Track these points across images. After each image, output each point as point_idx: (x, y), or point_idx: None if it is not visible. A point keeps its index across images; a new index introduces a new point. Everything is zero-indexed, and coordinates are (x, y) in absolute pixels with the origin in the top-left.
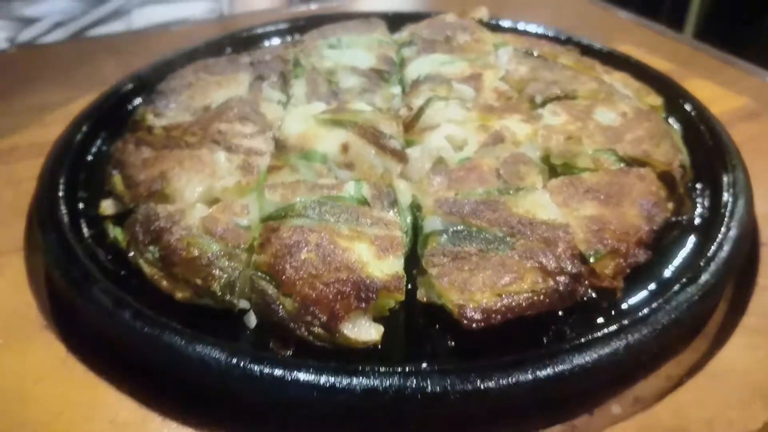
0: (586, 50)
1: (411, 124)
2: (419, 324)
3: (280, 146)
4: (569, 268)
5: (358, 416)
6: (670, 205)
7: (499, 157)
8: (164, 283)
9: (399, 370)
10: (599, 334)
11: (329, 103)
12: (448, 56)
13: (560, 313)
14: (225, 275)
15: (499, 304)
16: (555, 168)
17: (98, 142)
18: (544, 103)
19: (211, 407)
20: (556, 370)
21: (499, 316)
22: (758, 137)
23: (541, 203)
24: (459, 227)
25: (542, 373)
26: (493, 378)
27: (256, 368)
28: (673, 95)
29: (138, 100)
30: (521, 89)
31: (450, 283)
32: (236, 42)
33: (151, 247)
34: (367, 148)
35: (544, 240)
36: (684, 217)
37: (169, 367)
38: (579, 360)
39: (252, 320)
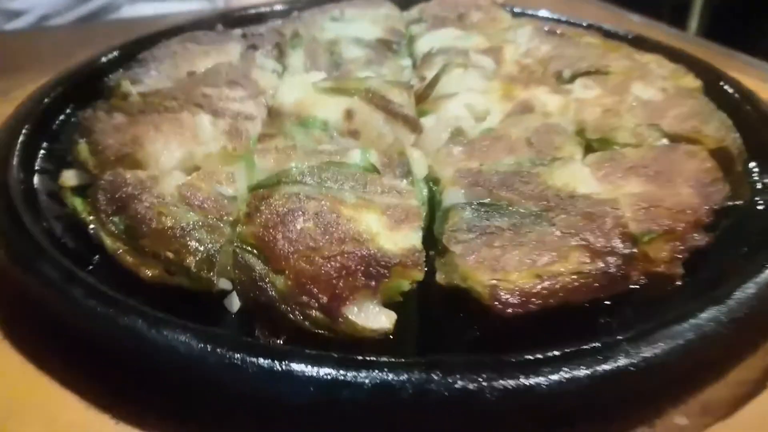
0: (610, 35)
1: (425, 94)
2: (439, 311)
3: (274, 114)
4: (621, 248)
5: (366, 419)
6: (726, 187)
7: (529, 128)
8: (129, 258)
9: (421, 361)
10: (670, 321)
11: (330, 73)
12: (461, 32)
13: (606, 302)
14: (202, 248)
15: (539, 286)
16: (591, 144)
17: (67, 111)
18: (573, 78)
19: (179, 409)
20: (620, 364)
21: (538, 301)
22: None
23: (580, 176)
24: (485, 200)
25: (603, 368)
26: (542, 373)
27: (237, 356)
28: (713, 78)
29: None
30: (546, 65)
31: (478, 261)
32: (229, 21)
33: (115, 218)
34: (375, 115)
35: (588, 216)
36: (741, 201)
37: (127, 357)
38: (648, 352)
39: (234, 303)
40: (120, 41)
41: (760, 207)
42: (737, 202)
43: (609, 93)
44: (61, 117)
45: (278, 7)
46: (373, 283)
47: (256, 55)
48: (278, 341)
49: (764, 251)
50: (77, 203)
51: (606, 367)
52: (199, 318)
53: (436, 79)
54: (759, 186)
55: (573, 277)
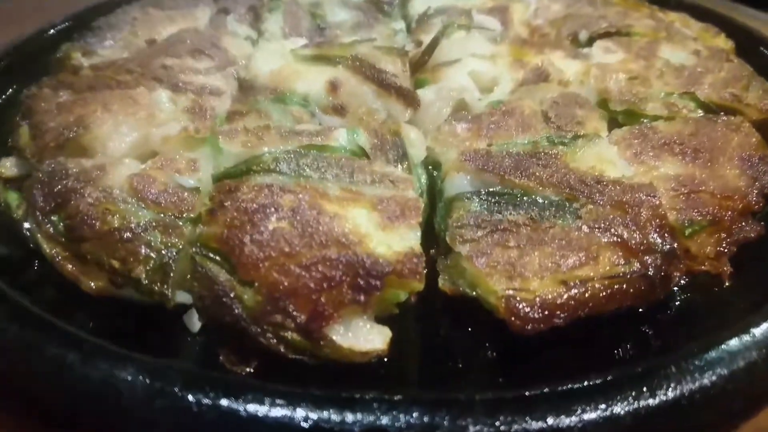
0: None
1: (422, 61)
2: (442, 326)
3: (246, 87)
4: (660, 244)
5: None
6: None
7: (544, 99)
8: (69, 266)
9: (422, 397)
10: (726, 337)
11: (312, 39)
12: None
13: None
14: (155, 255)
15: (565, 296)
16: (615, 117)
17: (10, 91)
18: (591, 40)
19: None
20: (669, 396)
21: (564, 314)
22: None
23: (608, 157)
24: (496, 188)
25: (648, 403)
26: (574, 411)
27: (191, 398)
28: (745, 38)
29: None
30: (559, 27)
31: (490, 265)
32: None
33: (54, 217)
34: (364, 87)
35: (619, 205)
36: None
37: (56, 397)
38: (704, 379)
39: (195, 322)
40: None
41: None
42: None
43: (634, 57)
44: (3, 96)
45: None
46: (362, 297)
47: (228, 20)
48: (247, 370)
49: None
50: (11, 198)
51: (652, 402)
52: (152, 342)
53: (434, 43)
54: None
55: (605, 282)
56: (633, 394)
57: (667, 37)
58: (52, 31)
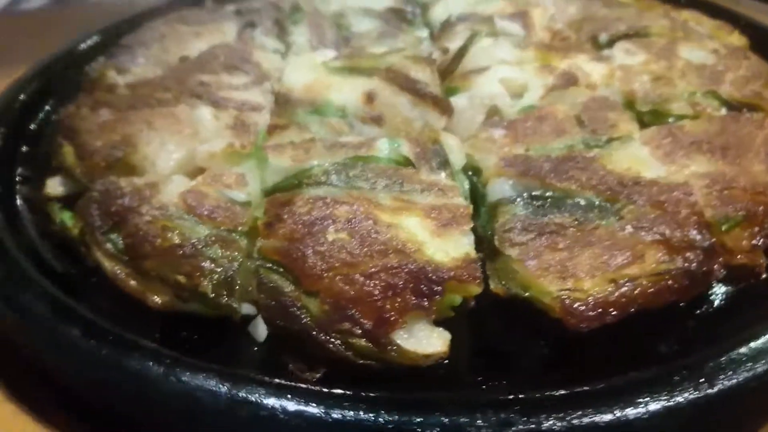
0: None
1: (450, 69)
2: (496, 327)
3: (282, 101)
4: (700, 240)
5: None
6: None
7: (576, 103)
8: (132, 283)
9: (497, 398)
10: None
11: (340, 50)
12: None
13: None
14: (219, 269)
15: (616, 293)
16: (641, 117)
17: (46, 108)
18: (611, 42)
19: None
20: (730, 384)
21: (615, 312)
22: None
23: (642, 158)
24: (538, 192)
25: (707, 393)
26: (638, 403)
27: (278, 406)
28: (758, 34)
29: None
30: (577, 30)
31: (542, 267)
32: None
33: (112, 235)
34: (399, 97)
35: (659, 204)
36: None
37: (139, 409)
38: (755, 370)
39: (261, 331)
40: (99, 25)
41: None
42: None
43: (655, 58)
44: (40, 115)
45: None
46: (426, 302)
47: (255, 34)
48: (316, 376)
49: None
50: (66, 217)
51: (710, 391)
52: (219, 353)
53: (462, 51)
54: None
55: (652, 279)
56: (692, 384)
57: (684, 37)
58: (82, 46)
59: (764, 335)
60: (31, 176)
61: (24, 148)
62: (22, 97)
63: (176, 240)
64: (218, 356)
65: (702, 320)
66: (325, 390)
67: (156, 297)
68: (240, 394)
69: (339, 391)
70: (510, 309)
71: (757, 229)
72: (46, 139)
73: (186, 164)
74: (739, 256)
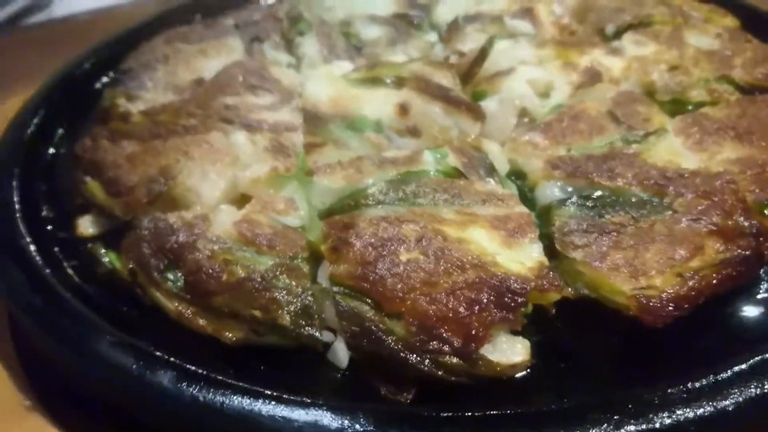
0: None
1: (471, 72)
2: (566, 329)
3: (310, 117)
4: (748, 226)
5: None
6: None
7: (604, 99)
8: (202, 321)
9: (610, 399)
10: None
11: (353, 60)
12: None
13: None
14: (295, 299)
15: (685, 287)
16: (662, 106)
17: (54, 142)
18: (618, 34)
19: None
20: None
21: (687, 305)
22: None
23: (678, 149)
24: (587, 192)
25: None
26: (726, 395)
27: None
28: (753, 15)
29: (102, 83)
30: (581, 21)
31: (611, 267)
32: (207, 8)
33: (170, 273)
34: (431, 106)
35: (706, 195)
36: None
37: None
38: None
39: (342, 357)
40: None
41: None
42: None
43: (666, 47)
44: (51, 150)
45: None
46: (511, 315)
47: (265, 49)
48: (408, 397)
49: None
50: (112, 258)
51: None
52: (305, 384)
53: (484, 55)
54: None
55: (714, 269)
56: None
57: (685, 23)
58: (78, 70)
59: None
60: (56, 217)
61: (43, 187)
62: (30, 131)
63: (242, 273)
64: (307, 388)
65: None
66: (430, 415)
67: (230, 333)
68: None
69: (443, 416)
70: (577, 311)
71: None
72: (63, 175)
73: (230, 192)
74: None
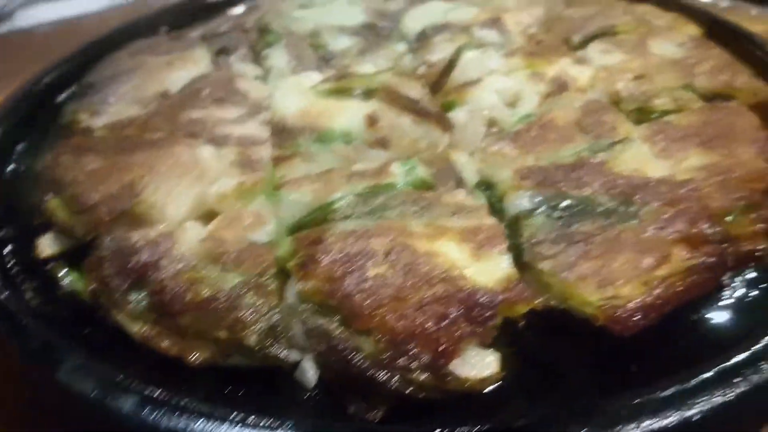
0: None
1: (440, 83)
2: (535, 340)
3: (278, 130)
4: (712, 233)
5: None
6: None
7: (572, 109)
8: (165, 342)
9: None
10: None
11: (322, 71)
12: (448, 3)
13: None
14: (261, 318)
15: (652, 296)
16: (628, 115)
17: (13, 159)
18: (584, 43)
19: None
20: None
21: (654, 314)
22: None
23: (645, 157)
24: (555, 202)
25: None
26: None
27: None
28: (715, 23)
29: (64, 97)
30: (548, 30)
31: (579, 278)
32: (171, 18)
33: (133, 294)
34: (402, 118)
35: (671, 202)
36: None
37: None
38: None
39: (310, 376)
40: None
41: None
42: None
43: (631, 56)
44: (10, 167)
45: None
46: (480, 329)
47: (231, 61)
48: (378, 415)
49: None
50: (74, 279)
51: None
52: (274, 404)
53: (451, 64)
54: None
55: (681, 277)
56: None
57: (649, 31)
58: (39, 85)
59: None
60: (15, 236)
61: (2, 206)
62: None
63: (207, 292)
64: (275, 408)
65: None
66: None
67: (195, 354)
68: None
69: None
70: (546, 322)
71: (755, 215)
72: (22, 194)
73: (197, 208)
74: (744, 244)
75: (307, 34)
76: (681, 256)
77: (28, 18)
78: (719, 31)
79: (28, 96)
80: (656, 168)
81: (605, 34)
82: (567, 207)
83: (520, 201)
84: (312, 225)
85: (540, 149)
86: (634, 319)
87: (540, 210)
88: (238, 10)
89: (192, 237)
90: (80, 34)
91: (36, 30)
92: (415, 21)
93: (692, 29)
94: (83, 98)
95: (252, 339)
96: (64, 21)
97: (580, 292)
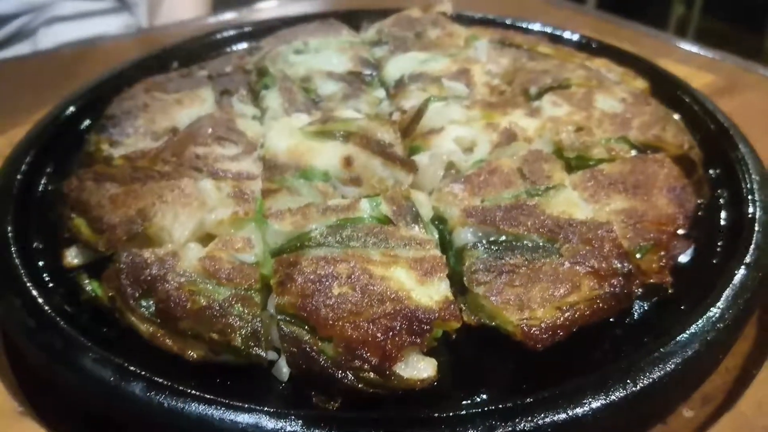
0: (556, 39)
1: (410, 128)
2: (470, 350)
3: (269, 166)
4: (620, 268)
5: None
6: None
7: (516, 156)
8: (169, 341)
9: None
10: (683, 336)
11: (311, 113)
12: (426, 54)
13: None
14: (246, 324)
15: (561, 318)
16: (569, 162)
17: (43, 179)
18: (539, 95)
19: None
20: (652, 378)
21: (562, 333)
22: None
23: (573, 201)
24: (493, 237)
25: (634, 388)
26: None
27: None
28: (653, 75)
29: (84, 125)
30: (510, 81)
31: (504, 301)
32: (184, 54)
33: (144, 301)
34: (374, 160)
35: (588, 241)
36: (703, 201)
37: None
38: (671, 365)
39: (284, 372)
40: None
41: (721, 201)
42: (700, 201)
43: (576, 108)
44: (40, 188)
45: (231, 33)
46: (419, 339)
47: (233, 102)
48: (335, 405)
49: (736, 253)
50: (95, 287)
51: (640, 385)
52: (252, 393)
53: (420, 114)
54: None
55: (587, 304)
56: (626, 382)
57: (598, 86)
58: (65, 114)
59: (672, 341)
60: (45, 249)
61: (33, 221)
62: (20, 173)
63: (204, 302)
64: (254, 397)
65: (627, 329)
66: (358, 417)
67: (192, 352)
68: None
69: (356, 415)
70: (480, 336)
71: (663, 253)
72: (50, 210)
73: (197, 232)
74: (651, 277)
75: (299, 78)
76: (589, 287)
77: (51, 36)
78: (664, 85)
79: (53, 122)
80: (582, 210)
81: (560, 86)
82: (502, 242)
83: (465, 235)
84: (291, 250)
85: (486, 191)
86: (545, 336)
87: (480, 243)
88: (242, 45)
89: (193, 256)
90: (98, 57)
91: (58, 52)
92: (396, 68)
93: (639, 83)
94: (104, 130)
95: (238, 341)
96: (83, 42)
97: (503, 313)
